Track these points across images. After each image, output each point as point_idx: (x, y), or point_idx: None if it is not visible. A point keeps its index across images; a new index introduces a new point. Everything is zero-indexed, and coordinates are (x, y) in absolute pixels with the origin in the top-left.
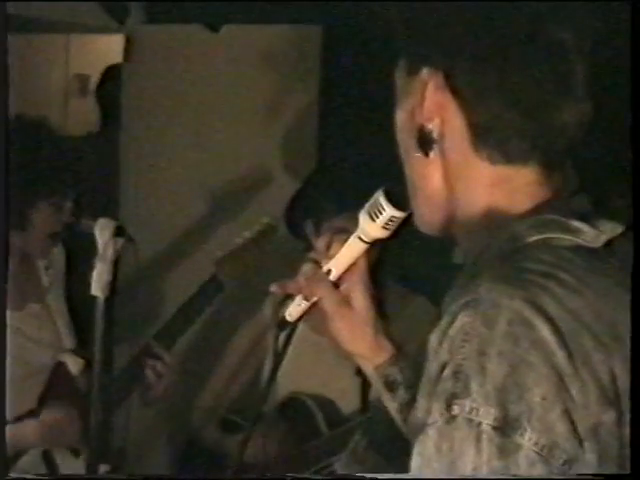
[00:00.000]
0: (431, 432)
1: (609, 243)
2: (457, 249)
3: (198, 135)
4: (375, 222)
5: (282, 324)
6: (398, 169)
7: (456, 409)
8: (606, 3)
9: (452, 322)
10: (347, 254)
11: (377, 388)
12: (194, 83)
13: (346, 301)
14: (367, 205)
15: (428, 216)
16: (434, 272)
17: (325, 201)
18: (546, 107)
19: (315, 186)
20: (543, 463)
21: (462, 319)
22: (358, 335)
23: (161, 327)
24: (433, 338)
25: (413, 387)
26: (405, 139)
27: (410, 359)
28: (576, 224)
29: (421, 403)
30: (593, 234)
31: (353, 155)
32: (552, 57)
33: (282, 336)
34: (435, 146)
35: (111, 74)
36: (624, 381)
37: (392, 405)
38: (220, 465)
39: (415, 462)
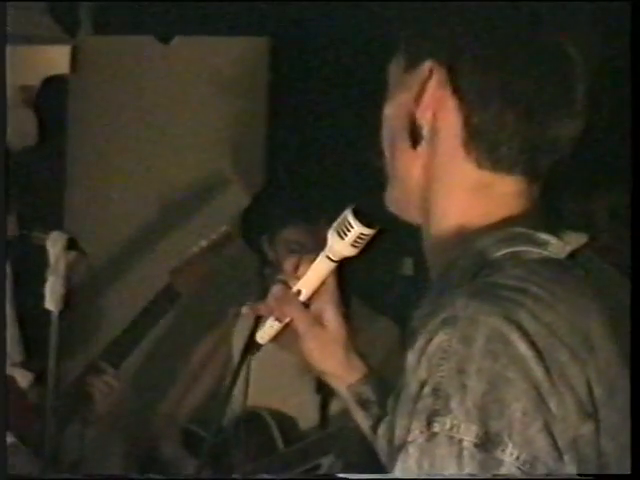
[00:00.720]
0: (412, 450)
1: (572, 254)
2: (406, 260)
3: (147, 145)
4: (344, 240)
5: (253, 347)
6: (348, 177)
7: (437, 426)
8: (606, 3)
9: (430, 340)
10: (316, 274)
11: (350, 407)
12: (144, 94)
13: (317, 321)
14: (335, 223)
15: (405, 206)
16: (396, 290)
17: (276, 214)
18: (544, 117)
19: (266, 198)
20: (525, 478)
21: (440, 337)
22: (330, 354)
23: (109, 343)
24: (410, 356)
25: (385, 405)
26: (393, 130)
27: (382, 378)
28: (543, 236)
29: (400, 422)
30: (559, 245)
31: (304, 166)
32: (556, 66)
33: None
34: (424, 141)
35: (57, 85)
36: (600, 392)
37: (365, 423)
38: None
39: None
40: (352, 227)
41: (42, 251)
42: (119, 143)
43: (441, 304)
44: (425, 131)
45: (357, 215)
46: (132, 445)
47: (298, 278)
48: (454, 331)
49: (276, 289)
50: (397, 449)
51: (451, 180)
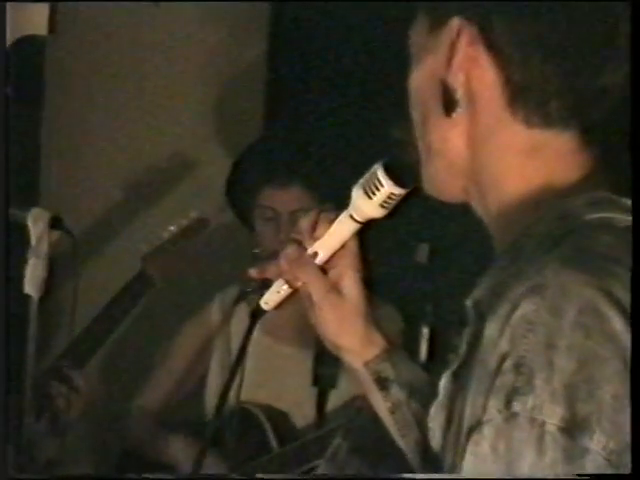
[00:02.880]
0: (487, 431)
1: None
2: (421, 247)
3: (132, 116)
4: (371, 199)
5: (257, 312)
6: (353, 140)
7: (517, 406)
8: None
9: (514, 310)
10: (336, 235)
11: (366, 387)
12: (129, 60)
13: (335, 288)
14: (362, 179)
15: (449, 183)
16: (399, 275)
17: (252, 177)
18: (589, 65)
19: (249, 158)
20: (611, 470)
21: (525, 306)
22: (347, 326)
23: (71, 341)
24: (491, 327)
25: (406, 385)
26: (423, 99)
27: (403, 354)
28: (627, 202)
29: (475, 399)
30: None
31: (300, 126)
32: (595, 10)
33: (240, 329)
34: (460, 107)
35: (33, 48)
36: None
37: (384, 405)
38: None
39: (468, 463)
40: (382, 185)
41: (21, 230)
42: (101, 113)
43: (521, 272)
44: (459, 95)
45: (388, 171)
46: (108, 444)
47: (315, 239)
48: (542, 301)
49: (289, 249)
50: (469, 430)
51: (500, 144)
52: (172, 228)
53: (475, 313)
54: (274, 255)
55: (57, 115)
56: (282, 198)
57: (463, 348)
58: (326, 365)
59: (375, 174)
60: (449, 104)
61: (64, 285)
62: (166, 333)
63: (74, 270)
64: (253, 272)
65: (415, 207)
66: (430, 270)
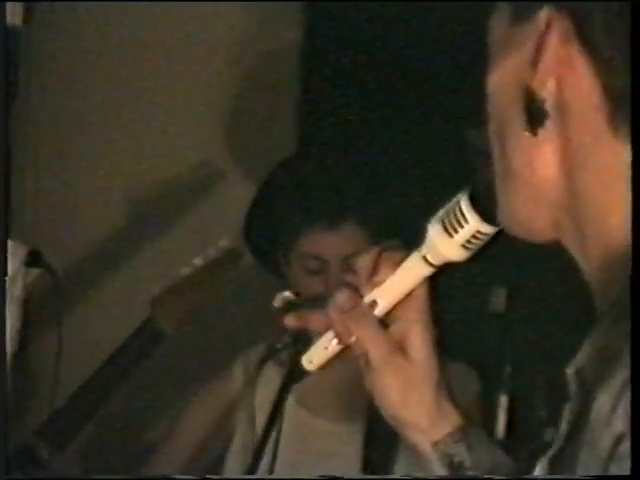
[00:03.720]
0: None
1: None
2: (497, 292)
3: (122, 122)
4: (452, 238)
5: (297, 373)
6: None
7: None
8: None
9: (628, 382)
10: (402, 281)
11: (435, 473)
12: (117, 55)
13: (399, 347)
14: (441, 212)
15: (535, 217)
16: (469, 327)
17: (284, 214)
18: None
19: (277, 192)
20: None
21: None
22: (414, 396)
23: (50, 415)
24: (601, 401)
25: (485, 473)
26: (502, 109)
27: (480, 433)
28: None
29: None
30: None
31: (340, 144)
32: None
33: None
34: (549, 121)
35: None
36: None
37: None
38: None
39: None
40: (466, 221)
41: None
42: (91, 114)
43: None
44: (548, 106)
45: (474, 203)
46: None
47: (374, 284)
48: None
49: (342, 295)
50: None
51: (600, 169)
52: (196, 261)
53: (578, 384)
54: (316, 303)
55: (34, 118)
56: (332, 242)
57: (563, 427)
58: (379, 446)
59: (458, 206)
60: (535, 117)
61: (44, 337)
62: (174, 403)
63: (57, 318)
64: (290, 320)
65: (490, 243)
66: (508, 320)
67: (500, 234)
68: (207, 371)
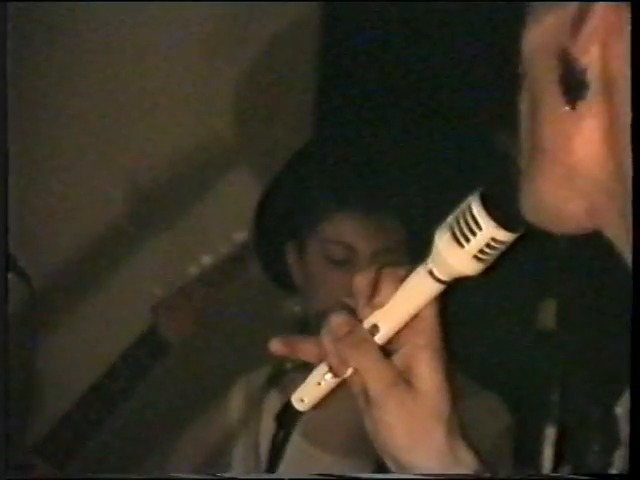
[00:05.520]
0: None
1: None
2: (546, 306)
3: (117, 112)
4: (463, 248)
5: (287, 415)
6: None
7: None
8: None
9: None
10: (407, 301)
11: None
12: (118, 53)
13: (403, 379)
14: (449, 218)
15: (565, 200)
16: (515, 348)
17: (305, 203)
18: None
19: (292, 183)
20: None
21: None
22: (422, 437)
23: (48, 432)
24: None
25: None
26: (537, 80)
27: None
28: None
29: None
30: None
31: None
32: None
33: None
34: (590, 93)
35: None
36: None
37: None
38: None
39: None
40: (479, 227)
41: None
42: (76, 110)
43: None
44: (591, 76)
45: (487, 206)
46: None
47: (375, 306)
48: None
49: (336, 320)
50: None
51: None
52: (205, 260)
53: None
54: (328, 305)
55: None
56: (364, 230)
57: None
58: None
59: (469, 211)
60: (574, 88)
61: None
62: (173, 423)
63: (30, 328)
64: (275, 344)
65: (533, 246)
66: (557, 338)
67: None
68: (204, 395)
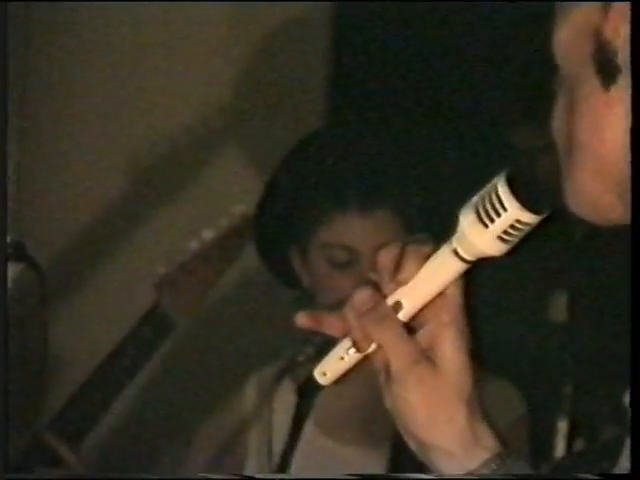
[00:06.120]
0: None
1: None
2: (558, 298)
3: (121, 90)
4: (488, 228)
5: (310, 388)
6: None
7: None
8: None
9: None
10: (431, 279)
11: None
12: (118, 53)
13: (425, 356)
14: (475, 198)
15: (601, 194)
16: (524, 338)
17: (307, 202)
18: None
19: (295, 180)
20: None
21: None
22: (443, 415)
23: (60, 409)
24: None
25: None
26: (570, 66)
27: (521, 462)
28: None
29: None
30: None
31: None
32: None
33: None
34: (621, 77)
35: None
36: None
37: None
38: None
39: None
40: (504, 208)
41: None
42: (80, 89)
43: None
44: (621, 59)
45: (513, 188)
46: None
47: (399, 283)
48: None
49: (360, 294)
50: None
51: None
52: (206, 233)
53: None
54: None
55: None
56: (364, 230)
57: (624, 464)
58: (405, 471)
59: (495, 191)
60: (607, 70)
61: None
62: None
63: (41, 318)
64: (302, 319)
65: (548, 238)
66: (569, 331)
67: (565, 225)
68: (218, 390)
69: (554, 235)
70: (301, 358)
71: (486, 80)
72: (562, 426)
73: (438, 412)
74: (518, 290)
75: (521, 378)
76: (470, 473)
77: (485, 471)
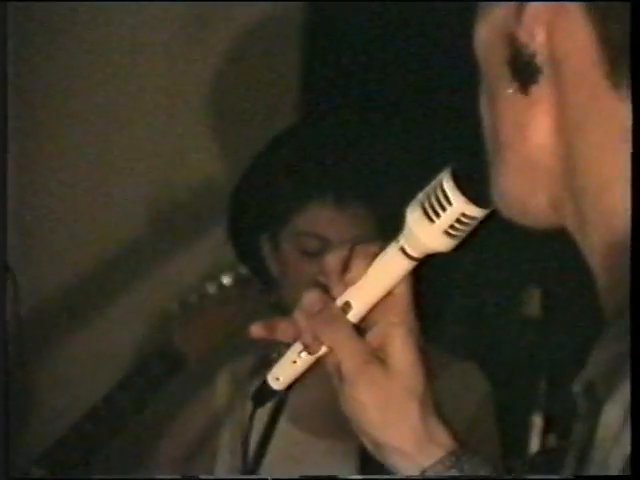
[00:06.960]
0: None
1: None
2: (531, 293)
3: (126, 118)
4: (433, 223)
5: (262, 395)
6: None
7: None
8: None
9: None
10: (379, 278)
11: None
12: (118, 53)
13: (377, 358)
14: (420, 194)
15: (528, 195)
16: (497, 334)
17: (279, 191)
18: None
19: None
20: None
21: None
22: (396, 415)
23: (54, 443)
24: (610, 415)
25: None
26: (491, 70)
27: (477, 458)
28: None
29: None
30: None
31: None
32: None
33: (261, 415)
34: (541, 77)
35: None
36: None
37: None
38: None
39: None
40: (449, 203)
41: None
42: (81, 89)
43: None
44: (540, 60)
45: (459, 182)
46: None
47: (347, 283)
48: None
49: (309, 297)
50: None
51: (600, 132)
52: (225, 280)
53: (588, 401)
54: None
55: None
56: (337, 220)
57: (573, 451)
58: (376, 466)
59: (440, 186)
60: (524, 73)
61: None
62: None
63: (16, 325)
64: (255, 329)
65: (520, 234)
66: (543, 326)
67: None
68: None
69: (527, 230)
70: (275, 354)
71: (454, 75)
72: (537, 421)
73: (390, 411)
74: (492, 286)
75: (495, 374)
76: (425, 471)
77: (440, 468)
